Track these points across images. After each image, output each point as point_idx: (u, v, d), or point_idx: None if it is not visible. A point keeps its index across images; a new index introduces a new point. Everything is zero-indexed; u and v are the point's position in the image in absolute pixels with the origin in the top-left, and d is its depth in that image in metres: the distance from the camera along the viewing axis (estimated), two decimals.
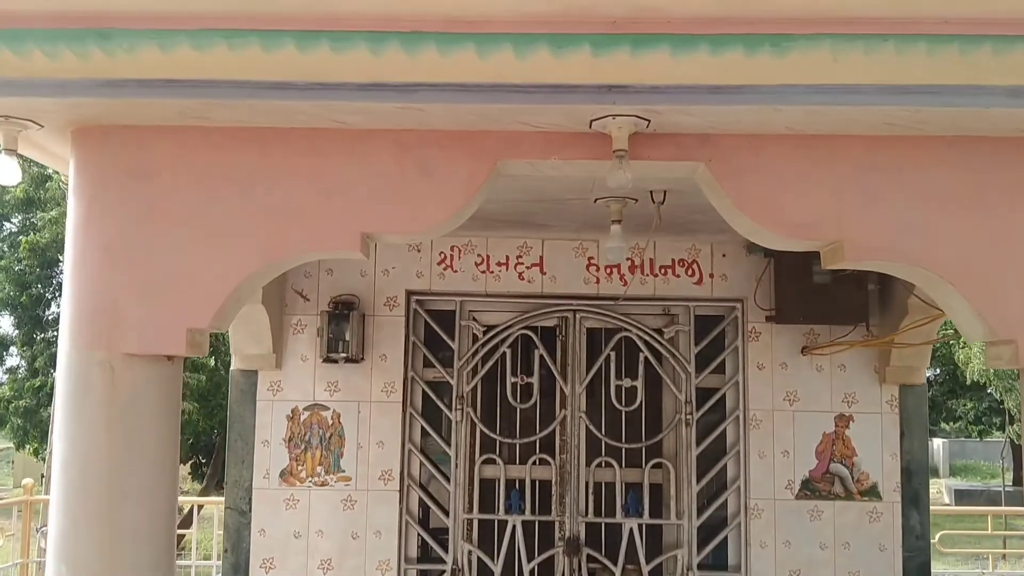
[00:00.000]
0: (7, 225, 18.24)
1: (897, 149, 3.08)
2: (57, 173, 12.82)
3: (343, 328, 5.12)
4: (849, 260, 3.11)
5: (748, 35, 2.67)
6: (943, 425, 26.33)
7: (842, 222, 3.09)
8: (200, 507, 10.25)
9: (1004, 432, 20.08)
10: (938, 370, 21.56)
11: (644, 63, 2.72)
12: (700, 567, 5.26)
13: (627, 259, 5.34)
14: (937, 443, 27.94)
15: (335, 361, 5.17)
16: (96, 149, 3.08)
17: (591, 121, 2.96)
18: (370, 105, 2.85)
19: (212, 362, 22.72)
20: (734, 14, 2.66)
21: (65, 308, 3.05)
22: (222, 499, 5.49)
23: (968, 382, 16.90)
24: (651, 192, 4.15)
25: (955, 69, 2.71)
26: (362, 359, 5.24)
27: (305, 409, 5.25)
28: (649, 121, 2.95)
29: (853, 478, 5.15)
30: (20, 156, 3.08)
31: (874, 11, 2.65)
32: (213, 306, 3.01)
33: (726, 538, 5.31)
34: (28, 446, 17.27)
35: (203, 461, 23.78)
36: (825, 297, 4.99)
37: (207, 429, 22.50)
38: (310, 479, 5.19)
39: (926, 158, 3.08)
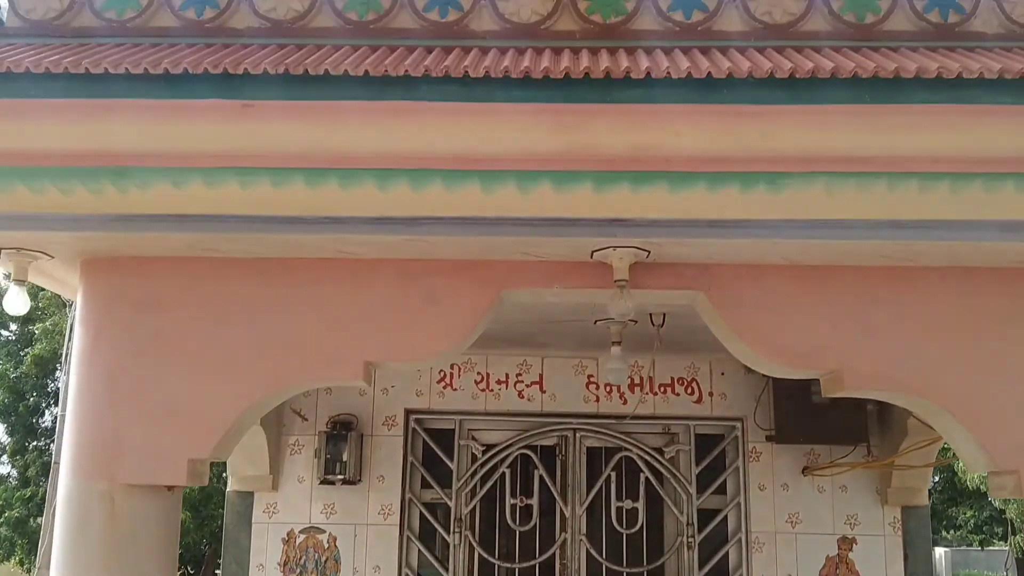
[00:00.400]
0: (4, 333, 18.22)
1: (893, 280, 3.14)
2: None
3: (341, 449, 5.08)
4: (849, 389, 3.14)
5: (744, 173, 2.77)
6: (944, 534, 25.86)
7: (841, 352, 3.12)
8: None
9: (1007, 541, 19.72)
10: (937, 477, 21.33)
11: (644, 198, 2.81)
12: None
13: (627, 377, 5.35)
14: (939, 552, 27.37)
15: (332, 483, 5.11)
16: (104, 279, 3.13)
17: (593, 252, 3.03)
18: (376, 237, 2.92)
19: None
20: (730, 153, 2.76)
21: (67, 437, 3.05)
22: None
23: (968, 489, 16.69)
24: (651, 315, 4.20)
25: (946, 205, 2.79)
26: (359, 480, 5.18)
27: (301, 532, 5.16)
28: (649, 252, 3.01)
29: None
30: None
31: (867, 150, 2.75)
32: (215, 436, 3.01)
33: None
34: (15, 557, 16.83)
35: (191, 572, 23.16)
36: (824, 417, 4.98)
37: (197, 540, 22.02)
38: None
39: (922, 289, 3.14)
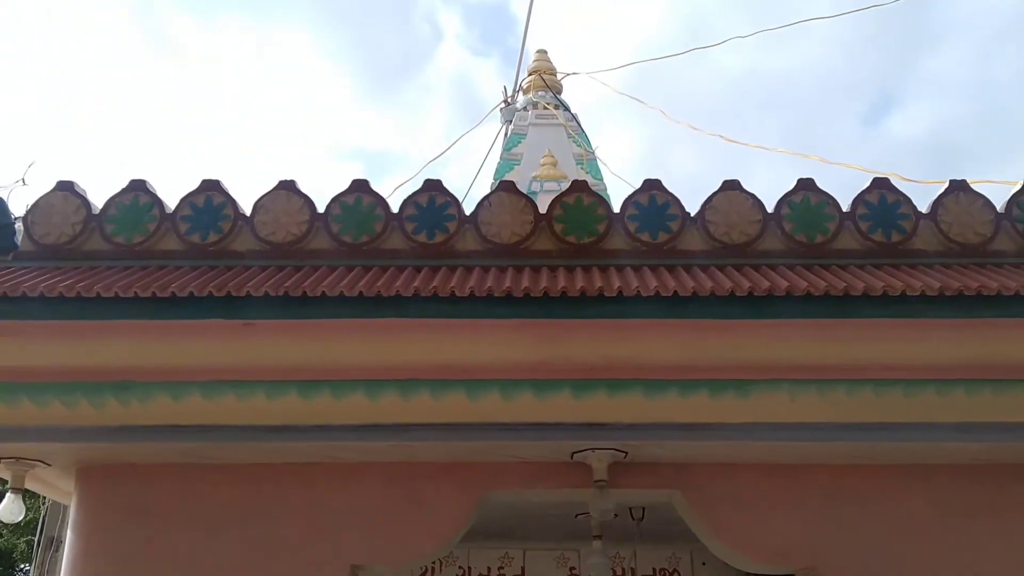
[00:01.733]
0: None
1: (861, 477, 3.27)
2: None
3: None
4: None
5: (713, 380, 2.96)
6: None
7: (814, 549, 3.21)
8: None
9: None
10: None
11: (620, 404, 2.98)
12: None
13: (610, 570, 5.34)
14: None
15: None
16: (99, 486, 3.21)
17: (573, 453, 3.16)
18: (365, 444, 3.05)
19: None
20: (699, 362, 2.96)
21: None
22: None
23: None
24: (630, 508, 4.28)
25: (901, 409, 2.98)
26: None
27: None
28: (627, 453, 3.15)
29: None
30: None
31: (824, 359, 2.97)
32: None
33: None
34: None
35: None
36: None
37: None
38: None
39: (890, 486, 3.26)
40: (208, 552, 3.08)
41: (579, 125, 7.41)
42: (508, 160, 7.07)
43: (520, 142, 7.21)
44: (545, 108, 7.40)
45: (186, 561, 3.07)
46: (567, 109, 7.53)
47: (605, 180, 7.16)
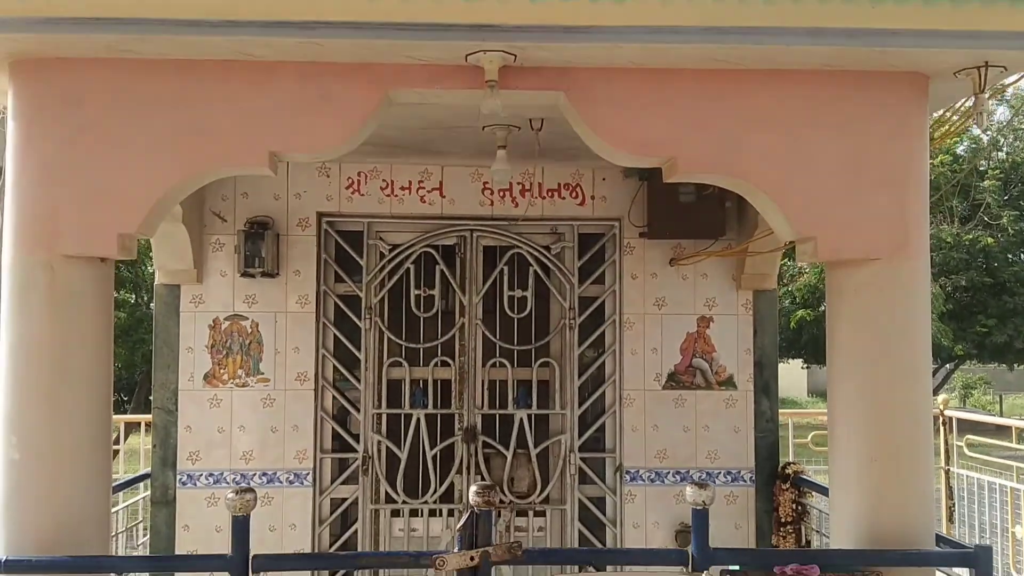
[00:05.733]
0: None
1: (722, 81, 3.68)
2: None
3: (259, 246, 5.60)
4: (683, 174, 3.73)
5: None
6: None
7: (677, 142, 3.68)
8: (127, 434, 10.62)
9: None
10: None
11: (509, 6, 3.28)
12: (581, 449, 6.00)
13: (518, 183, 5.93)
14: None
15: (252, 276, 5.66)
16: (33, 78, 3.50)
17: (466, 55, 3.50)
18: (274, 40, 3.33)
19: (132, 299, 22.78)
20: None
21: (8, 218, 3.49)
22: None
23: None
24: (531, 120, 4.73)
25: (761, 12, 3.32)
26: (277, 274, 5.75)
27: (226, 319, 5.75)
28: (516, 56, 3.50)
29: (712, 371, 5.92)
30: None
31: None
32: (139, 215, 3.49)
33: (603, 424, 6.06)
34: None
35: (125, 399, 23.90)
36: (690, 215, 5.67)
37: (129, 364, 22.61)
38: (232, 381, 5.73)
39: (746, 88, 3.69)
40: (140, 134, 3.47)
41: None
42: None
43: None
44: None
45: (120, 142, 3.46)
46: None
47: None
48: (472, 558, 3.11)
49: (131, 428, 10.92)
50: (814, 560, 3.43)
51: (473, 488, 3.13)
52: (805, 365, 31.04)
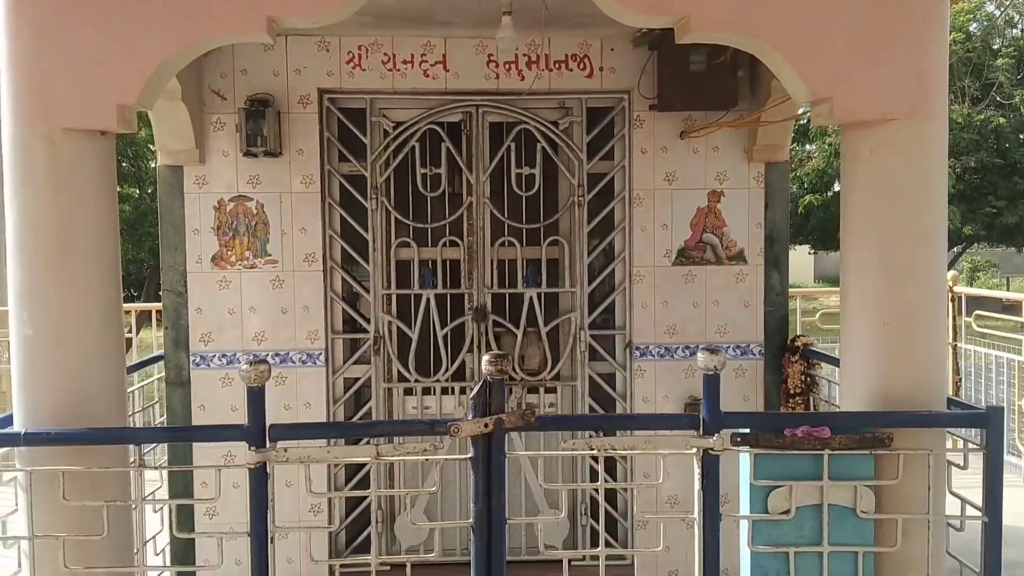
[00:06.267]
0: None
1: None
2: None
3: (260, 124, 5.49)
4: (696, 34, 3.60)
5: None
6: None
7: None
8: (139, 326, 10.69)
9: None
10: None
11: None
12: (590, 327, 6.02)
13: (524, 55, 5.76)
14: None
15: (255, 155, 5.56)
16: None
17: None
18: None
19: (136, 192, 22.70)
20: None
21: (5, 91, 3.40)
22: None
23: None
24: None
25: None
26: (280, 153, 5.65)
27: (230, 200, 5.69)
28: None
29: (723, 245, 5.87)
30: None
31: None
32: (138, 85, 3.40)
33: (613, 302, 6.05)
34: None
35: (135, 294, 24.09)
36: (701, 85, 5.51)
37: (136, 259, 22.71)
38: (239, 263, 5.71)
39: None
40: (133, 4, 3.35)
41: None
42: None
43: None
44: None
45: (114, 7, 3.35)
46: None
47: None
48: (486, 424, 3.14)
49: (142, 322, 11.00)
50: (825, 422, 3.45)
51: (486, 357, 3.13)
52: (812, 251, 31.04)
